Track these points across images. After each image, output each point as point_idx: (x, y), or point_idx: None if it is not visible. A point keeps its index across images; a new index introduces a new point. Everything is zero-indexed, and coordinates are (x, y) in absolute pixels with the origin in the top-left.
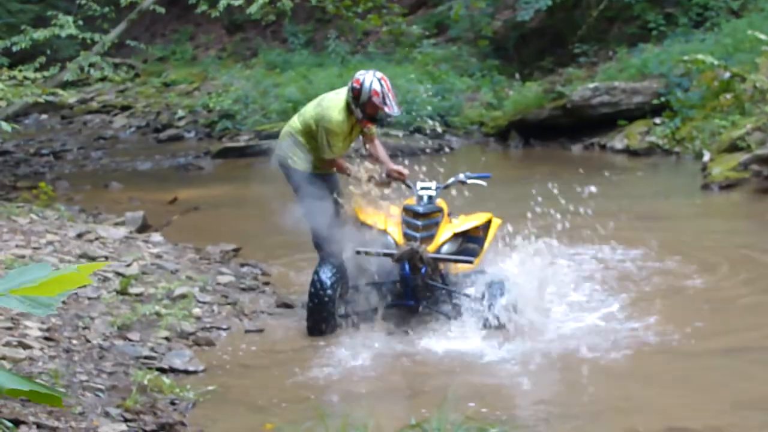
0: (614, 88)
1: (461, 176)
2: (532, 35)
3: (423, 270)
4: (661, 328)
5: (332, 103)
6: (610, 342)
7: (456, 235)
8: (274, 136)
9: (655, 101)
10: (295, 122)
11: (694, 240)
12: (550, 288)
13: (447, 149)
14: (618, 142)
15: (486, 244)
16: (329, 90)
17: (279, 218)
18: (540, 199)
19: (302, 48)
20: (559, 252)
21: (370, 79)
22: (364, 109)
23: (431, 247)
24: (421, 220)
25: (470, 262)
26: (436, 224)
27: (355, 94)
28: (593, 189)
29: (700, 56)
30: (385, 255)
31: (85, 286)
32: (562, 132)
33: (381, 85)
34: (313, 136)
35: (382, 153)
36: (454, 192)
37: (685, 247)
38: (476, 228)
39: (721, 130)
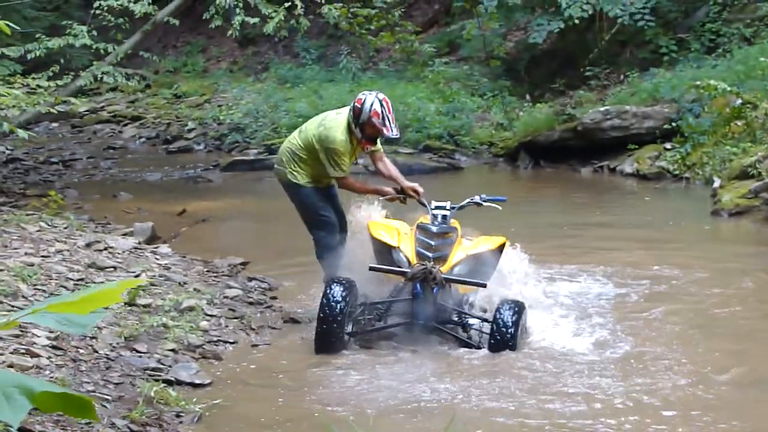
0: (625, 112)
1: (477, 198)
2: (543, 57)
3: (435, 290)
4: (674, 356)
5: (334, 123)
6: (618, 367)
7: (469, 257)
8: None
9: (666, 126)
10: (296, 138)
11: (703, 266)
12: (556, 312)
13: (456, 168)
14: (628, 165)
15: (497, 268)
16: (340, 105)
17: (287, 232)
18: (547, 221)
19: (314, 63)
20: (564, 275)
21: (372, 99)
22: (363, 129)
23: (444, 268)
24: (435, 239)
25: (483, 285)
26: (450, 244)
27: (356, 114)
28: (601, 212)
29: (712, 82)
30: (398, 273)
31: None
32: (571, 154)
33: (381, 106)
34: (313, 152)
35: (393, 170)
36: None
37: (695, 274)
38: (490, 250)
39: (732, 156)
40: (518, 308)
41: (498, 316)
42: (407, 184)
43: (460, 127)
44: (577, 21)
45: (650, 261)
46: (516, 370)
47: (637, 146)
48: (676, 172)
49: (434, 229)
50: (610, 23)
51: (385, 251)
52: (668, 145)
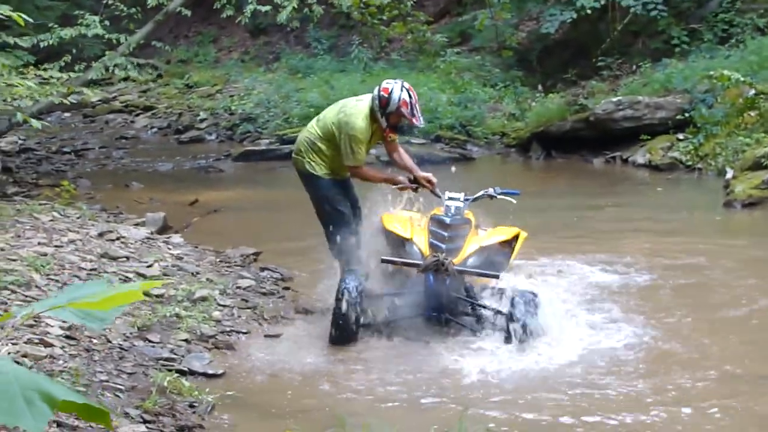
0: (638, 103)
1: (491, 190)
2: (555, 47)
3: (447, 282)
4: (689, 348)
5: (356, 110)
6: (633, 360)
7: (482, 249)
8: (296, 140)
9: (679, 117)
10: (314, 128)
11: (715, 257)
12: (570, 305)
13: (467, 158)
14: (640, 156)
15: (512, 258)
16: (351, 95)
17: (299, 222)
18: (559, 212)
19: (325, 53)
20: (579, 267)
21: (399, 89)
22: (388, 119)
23: (457, 260)
24: (448, 231)
25: (496, 276)
26: (463, 236)
27: (383, 103)
28: (613, 203)
29: (725, 72)
30: (410, 265)
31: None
32: (583, 145)
33: (409, 96)
34: (332, 141)
35: (408, 160)
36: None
37: (707, 264)
38: (503, 242)
39: (745, 147)
40: (533, 300)
41: (512, 309)
42: (421, 174)
43: (472, 118)
44: (589, 11)
45: (663, 252)
46: (532, 364)
47: (649, 137)
48: (689, 163)
49: (447, 220)
50: (623, 13)
51: (398, 243)
52: (681, 136)
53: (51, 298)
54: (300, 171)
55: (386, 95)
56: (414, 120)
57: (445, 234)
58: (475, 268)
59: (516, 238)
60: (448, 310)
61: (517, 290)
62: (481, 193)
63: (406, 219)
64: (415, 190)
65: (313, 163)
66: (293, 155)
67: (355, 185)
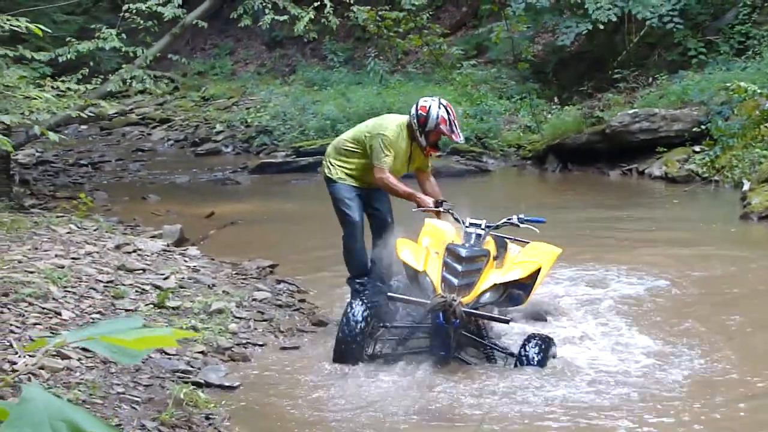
0: (654, 115)
1: (514, 218)
2: (571, 59)
3: (455, 323)
4: (710, 363)
5: (391, 120)
6: (649, 376)
7: (498, 285)
8: (312, 153)
9: (695, 129)
10: (345, 136)
11: (732, 269)
12: (587, 318)
13: (484, 171)
14: (656, 168)
15: (532, 292)
16: (367, 108)
17: (315, 235)
18: (576, 225)
19: (341, 66)
20: (595, 280)
21: (437, 106)
22: (428, 137)
23: (469, 297)
24: (463, 264)
25: (506, 321)
26: (479, 270)
27: (421, 122)
28: (629, 215)
29: (741, 84)
30: (417, 303)
31: (122, 298)
32: (600, 157)
33: (447, 113)
34: (360, 147)
35: (437, 191)
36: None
37: (724, 277)
38: (523, 277)
39: (762, 159)
40: (545, 345)
41: (523, 353)
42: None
43: (488, 130)
44: (605, 23)
45: (679, 264)
46: (546, 379)
47: (665, 149)
48: (705, 175)
49: (463, 253)
50: (639, 25)
51: (411, 273)
52: (697, 148)
53: (84, 329)
54: (324, 176)
55: (424, 113)
56: (454, 136)
57: (460, 268)
58: (488, 304)
59: (538, 271)
60: (457, 349)
61: (530, 332)
62: (503, 221)
63: (420, 248)
64: (437, 214)
65: (331, 167)
66: (324, 161)
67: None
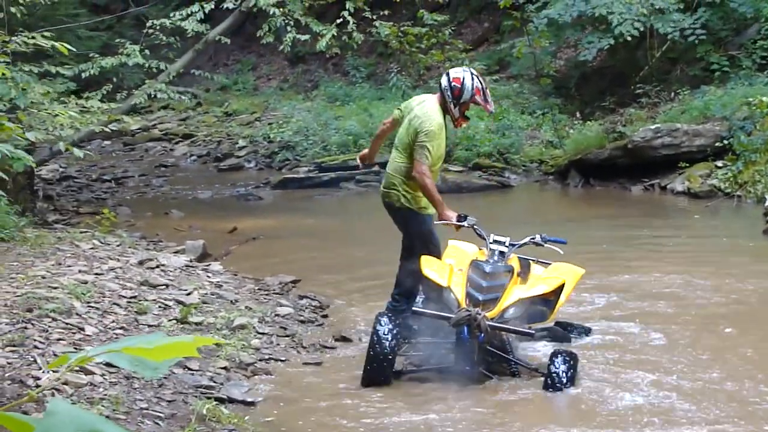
0: (676, 130)
1: (537, 237)
2: (593, 74)
3: (480, 338)
4: (743, 384)
5: (427, 109)
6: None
7: (522, 300)
8: (334, 168)
9: (718, 144)
10: (397, 154)
11: (755, 286)
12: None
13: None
14: (679, 184)
15: (557, 309)
16: None
17: (338, 250)
18: (599, 241)
19: (363, 81)
20: (616, 294)
21: (470, 77)
22: (461, 108)
23: (494, 312)
24: (487, 280)
25: (531, 335)
26: (503, 286)
27: (456, 94)
28: (651, 230)
29: (764, 99)
30: (442, 318)
31: (145, 314)
32: (622, 172)
33: (481, 83)
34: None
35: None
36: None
37: (747, 294)
38: (546, 293)
39: None
40: (572, 360)
41: (552, 369)
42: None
43: (510, 145)
44: (629, 38)
45: (702, 280)
46: (572, 399)
47: (688, 164)
48: (728, 191)
49: (487, 268)
50: (661, 40)
51: (435, 289)
52: (719, 163)
53: (105, 345)
54: (392, 206)
55: (458, 85)
56: (488, 106)
57: (484, 283)
58: (513, 319)
59: (562, 287)
60: (482, 364)
61: (556, 349)
62: (527, 239)
63: (444, 265)
64: (458, 228)
65: (407, 195)
66: (383, 189)
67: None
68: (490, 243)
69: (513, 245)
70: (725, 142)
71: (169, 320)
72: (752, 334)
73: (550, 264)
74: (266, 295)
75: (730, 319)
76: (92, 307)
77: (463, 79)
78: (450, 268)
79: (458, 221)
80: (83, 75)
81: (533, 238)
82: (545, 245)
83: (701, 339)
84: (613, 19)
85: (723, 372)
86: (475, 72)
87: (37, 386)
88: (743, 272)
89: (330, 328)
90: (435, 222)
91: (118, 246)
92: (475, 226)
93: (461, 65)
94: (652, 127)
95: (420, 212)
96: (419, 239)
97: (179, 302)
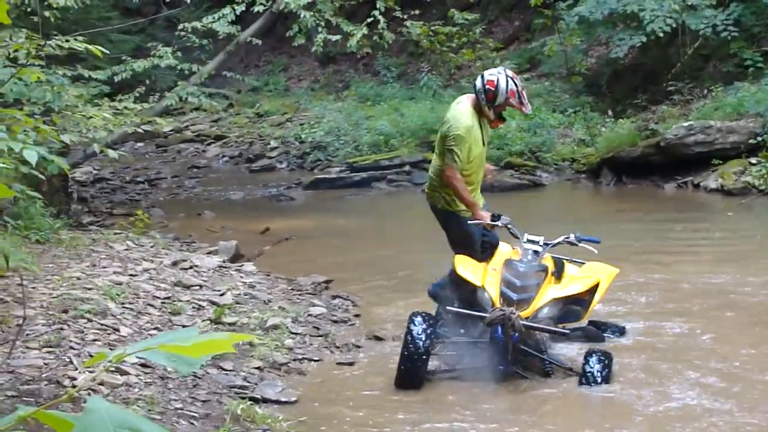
0: (709, 127)
1: (572, 237)
2: (625, 72)
3: (515, 337)
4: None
5: (458, 112)
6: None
7: (557, 300)
8: (366, 168)
9: (751, 141)
10: (435, 159)
11: None
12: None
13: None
14: (712, 181)
15: (591, 308)
16: (420, 123)
17: (370, 250)
18: (632, 238)
19: (394, 81)
20: (650, 292)
21: (504, 80)
22: (496, 111)
23: (528, 311)
24: (521, 279)
25: (565, 334)
26: (537, 285)
27: (489, 97)
28: (684, 228)
29: None
30: (476, 317)
31: (180, 314)
32: (654, 170)
33: (516, 85)
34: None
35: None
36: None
37: None
38: (581, 292)
39: None
40: (607, 360)
41: (587, 369)
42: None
43: (542, 144)
44: (661, 35)
45: (738, 278)
46: (607, 399)
47: (721, 161)
48: (762, 187)
49: (521, 268)
50: (693, 37)
51: (469, 289)
52: (753, 160)
53: (142, 343)
54: (434, 207)
55: (492, 88)
56: (524, 108)
57: (518, 283)
58: (547, 319)
59: (596, 287)
60: (516, 364)
61: (591, 348)
62: (561, 239)
63: (478, 265)
64: (492, 228)
65: (447, 197)
66: (426, 191)
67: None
68: (524, 242)
69: (547, 244)
70: (759, 138)
71: (203, 321)
72: None
73: (584, 263)
74: (299, 295)
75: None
76: (127, 308)
77: (497, 81)
78: (484, 267)
79: (492, 221)
80: (116, 78)
81: (567, 238)
82: (579, 245)
83: (740, 338)
84: (645, 16)
85: (764, 372)
86: (510, 73)
87: (74, 386)
88: None
89: (362, 328)
90: (469, 222)
91: (151, 247)
92: (509, 226)
93: (492, 64)
94: (685, 124)
95: (459, 214)
96: (459, 240)
97: (213, 303)
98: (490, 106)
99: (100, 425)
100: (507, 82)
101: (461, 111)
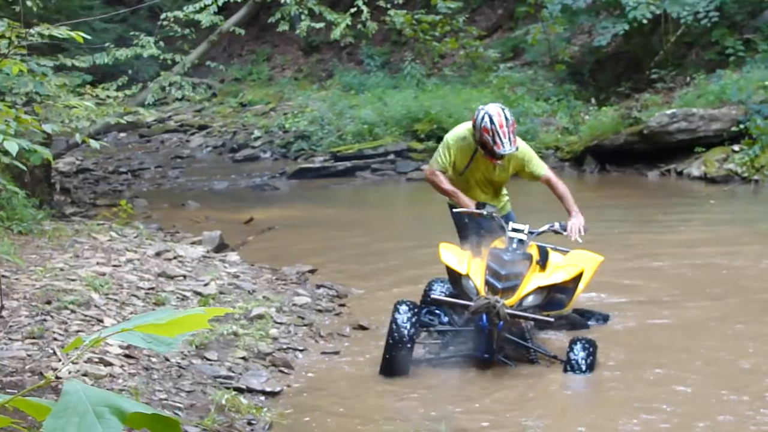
0: (692, 115)
1: (556, 225)
2: (608, 60)
3: (499, 325)
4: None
5: (460, 126)
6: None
7: (541, 288)
8: (350, 157)
9: (734, 128)
10: None
11: None
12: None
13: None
14: (695, 169)
15: (575, 296)
16: (404, 112)
17: (354, 239)
18: (616, 226)
19: (378, 70)
20: (635, 282)
21: (482, 114)
22: (482, 145)
23: (513, 300)
24: (506, 267)
25: (549, 321)
26: (522, 274)
27: (473, 128)
28: (666, 215)
29: None
30: (461, 306)
31: (164, 305)
32: (638, 158)
33: (491, 123)
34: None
35: (566, 196)
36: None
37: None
38: (566, 281)
39: None
40: (592, 348)
41: (571, 357)
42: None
43: (526, 132)
44: (644, 22)
45: (721, 264)
46: (591, 386)
47: (704, 149)
48: (745, 175)
49: (506, 256)
50: (675, 25)
51: (455, 277)
52: (736, 147)
53: (118, 325)
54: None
55: (473, 120)
56: (495, 147)
57: (503, 271)
58: (532, 307)
59: (581, 275)
60: (501, 352)
61: (575, 336)
62: (546, 227)
63: (463, 252)
64: (477, 216)
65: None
66: None
67: None
68: (509, 231)
69: (532, 233)
70: (742, 126)
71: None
72: None
73: (568, 252)
74: (283, 284)
75: (750, 303)
76: (111, 298)
77: (476, 115)
78: (469, 255)
79: (477, 209)
80: (98, 63)
81: (552, 226)
82: (564, 233)
83: (721, 324)
84: (627, 4)
85: (746, 358)
86: (496, 110)
87: (57, 378)
88: (762, 256)
89: (347, 317)
90: (454, 211)
91: (135, 238)
92: (493, 214)
93: (476, 53)
94: (668, 112)
95: (450, 207)
96: (457, 232)
97: (197, 293)
98: (476, 139)
99: (79, 404)
100: (483, 118)
101: (462, 126)
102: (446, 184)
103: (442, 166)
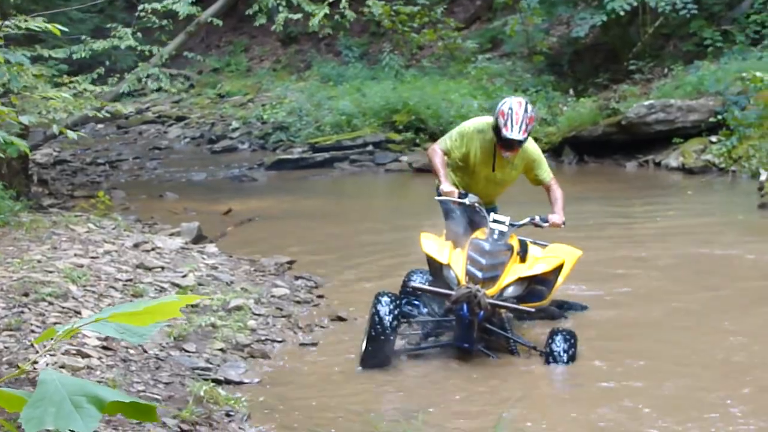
0: (670, 106)
1: (537, 218)
2: (586, 51)
3: (480, 315)
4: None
5: (484, 117)
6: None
7: (522, 279)
8: (328, 148)
9: (712, 119)
10: None
11: (753, 259)
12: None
13: None
14: (673, 159)
15: (555, 288)
16: (383, 103)
17: (333, 231)
18: (593, 218)
19: (356, 61)
20: (613, 273)
21: (506, 100)
22: (495, 130)
23: (493, 290)
24: (487, 258)
25: (529, 312)
26: (503, 264)
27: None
28: (644, 206)
29: (758, 74)
30: (441, 295)
31: (142, 296)
32: (616, 149)
33: (510, 109)
34: (462, 159)
35: (558, 206)
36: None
37: (746, 267)
38: (546, 272)
39: None
40: (571, 339)
41: (553, 348)
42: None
43: None
44: (622, 13)
45: (698, 254)
46: (571, 377)
47: (682, 140)
48: (722, 166)
49: (487, 246)
50: (654, 16)
51: (436, 267)
52: (714, 138)
53: (92, 316)
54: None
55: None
56: (504, 130)
57: (484, 261)
58: (512, 298)
59: (561, 267)
60: (481, 342)
61: (555, 328)
62: (527, 220)
63: (444, 241)
64: (460, 204)
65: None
66: None
67: None
68: (491, 222)
69: (513, 225)
70: (719, 117)
71: None
72: (755, 311)
73: (547, 245)
74: (262, 276)
75: (727, 292)
76: (88, 290)
77: (499, 103)
78: (450, 245)
79: (459, 198)
80: (74, 57)
81: (533, 219)
82: (544, 226)
83: (701, 313)
84: None
85: (726, 347)
86: (519, 100)
87: (35, 370)
88: (739, 246)
89: (326, 308)
90: (436, 198)
91: (113, 229)
92: (475, 204)
93: (454, 44)
94: (646, 103)
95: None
96: (443, 216)
97: (175, 285)
98: (492, 126)
99: (55, 395)
100: (504, 103)
101: (484, 118)
102: (437, 160)
103: (446, 147)
